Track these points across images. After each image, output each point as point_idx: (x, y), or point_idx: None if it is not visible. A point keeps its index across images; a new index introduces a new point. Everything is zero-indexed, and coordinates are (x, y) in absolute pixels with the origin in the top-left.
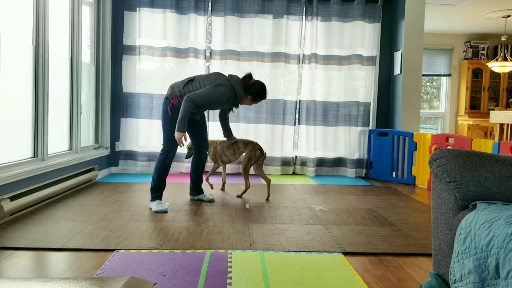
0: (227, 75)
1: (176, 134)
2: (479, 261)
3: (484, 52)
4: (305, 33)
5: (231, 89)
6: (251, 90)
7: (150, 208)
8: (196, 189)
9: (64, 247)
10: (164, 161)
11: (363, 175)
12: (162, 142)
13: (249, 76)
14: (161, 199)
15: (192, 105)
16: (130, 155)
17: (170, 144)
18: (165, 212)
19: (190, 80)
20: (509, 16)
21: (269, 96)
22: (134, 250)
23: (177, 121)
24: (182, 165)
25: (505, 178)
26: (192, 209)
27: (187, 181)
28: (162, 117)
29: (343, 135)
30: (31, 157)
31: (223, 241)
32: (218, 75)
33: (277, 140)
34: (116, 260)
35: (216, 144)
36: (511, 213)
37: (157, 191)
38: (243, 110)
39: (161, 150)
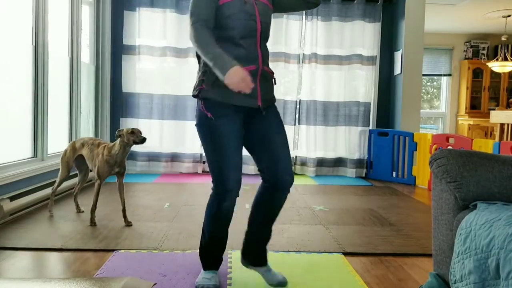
0: None
1: (227, 80)
2: (480, 261)
3: (485, 52)
4: (305, 32)
5: None
6: None
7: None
8: (256, 254)
9: (64, 247)
10: (216, 211)
11: (363, 175)
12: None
13: None
14: (215, 269)
15: (193, 25)
16: (130, 155)
17: (220, 182)
18: None
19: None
20: (509, 16)
21: None
22: (134, 250)
23: (212, 65)
24: (183, 165)
25: (505, 178)
26: (192, 209)
27: (187, 181)
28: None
29: (343, 135)
30: (31, 157)
31: None
32: None
33: None
34: (116, 260)
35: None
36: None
37: (207, 254)
38: None
39: (211, 193)
